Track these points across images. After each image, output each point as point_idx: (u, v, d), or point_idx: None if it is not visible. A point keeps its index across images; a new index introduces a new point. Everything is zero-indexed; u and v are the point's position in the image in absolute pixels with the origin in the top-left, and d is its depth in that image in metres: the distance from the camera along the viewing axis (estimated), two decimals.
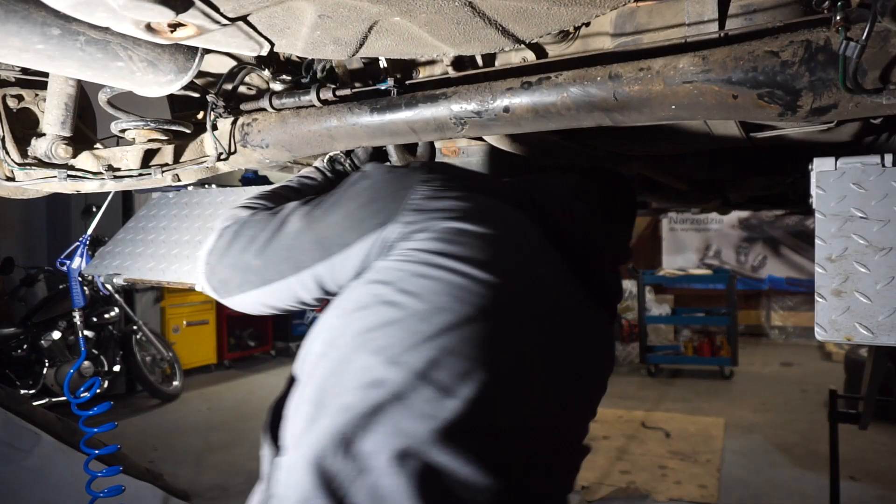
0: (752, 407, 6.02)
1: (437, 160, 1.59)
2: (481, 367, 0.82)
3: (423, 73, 1.24)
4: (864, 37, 0.72)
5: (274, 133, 1.26)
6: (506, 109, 1.00)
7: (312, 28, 0.87)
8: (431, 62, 1.22)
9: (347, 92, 1.16)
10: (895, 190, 1.05)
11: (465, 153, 1.57)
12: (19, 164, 1.27)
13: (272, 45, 0.91)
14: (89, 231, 2.16)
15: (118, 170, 1.35)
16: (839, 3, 0.73)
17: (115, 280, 1.87)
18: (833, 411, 3.42)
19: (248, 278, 1.01)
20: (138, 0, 0.68)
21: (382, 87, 1.14)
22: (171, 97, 1.43)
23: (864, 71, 0.76)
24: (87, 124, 1.41)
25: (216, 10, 0.76)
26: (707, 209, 3.81)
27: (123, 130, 1.28)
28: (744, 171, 2.03)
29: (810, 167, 1.16)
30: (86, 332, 5.49)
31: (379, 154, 1.40)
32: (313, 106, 1.20)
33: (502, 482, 0.80)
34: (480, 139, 1.47)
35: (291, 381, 0.95)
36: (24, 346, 5.33)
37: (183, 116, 1.43)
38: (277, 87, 1.24)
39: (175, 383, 6.39)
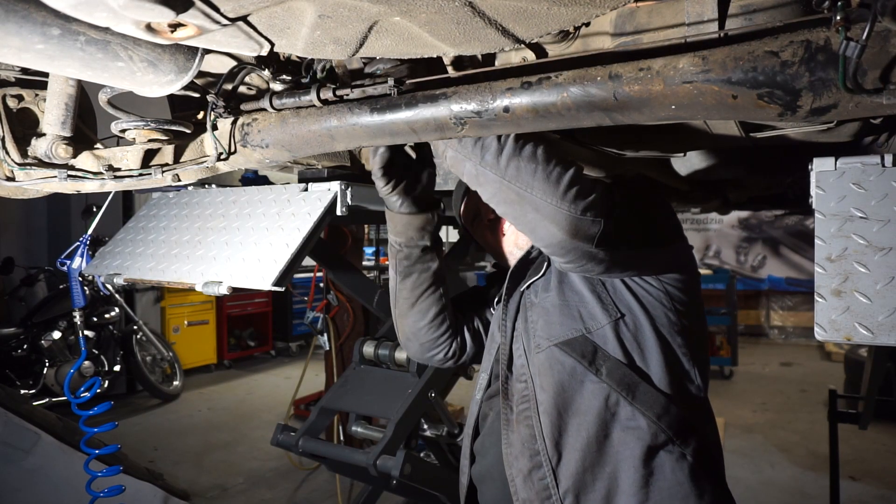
0: (752, 407, 6.02)
1: None
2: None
3: (423, 73, 1.24)
4: (864, 37, 0.72)
5: (274, 133, 1.26)
6: (506, 109, 1.00)
7: (312, 28, 0.87)
8: (431, 62, 1.22)
9: (347, 92, 1.16)
10: (895, 190, 1.05)
11: None
12: (19, 164, 1.27)
13: (272, 45, 0.91)
14: (89, 231, 2.16)
15: (118, 170, 1.35)
16: (839, 3, 0.73)
17: (115, 280, 1.87)
18: (833, 411, 3.43)
19: None
20: (138, 0, 0.68)
21: (382, 87, 1.14)
22: (171, 97, 1.43)
23: (864, 71, 0.76)
24: (87, 124, 1.41)
25: (216, 10, 0.76)
26: (707, 209, 3.81)
27: (123, 130, 1.28)
28: (744, 171, 2.03)
29: (810, 167, 1.16)
30: (86, 332, 5.49)
31: None
32: (313, 106, 1.19)
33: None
34: None
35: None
36: (25, 346, 5.34)
37: (183, 116, 1.42)
38: (277, 87, 1.24)
39: (175, 383, 6.39)
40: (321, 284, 4.69)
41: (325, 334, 4.35)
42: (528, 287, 1.41)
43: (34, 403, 4.30)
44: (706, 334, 1.43)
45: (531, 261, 1.46)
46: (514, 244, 1.52)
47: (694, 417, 1.28)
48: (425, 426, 2.33)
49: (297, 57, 1.22)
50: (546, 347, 1.31)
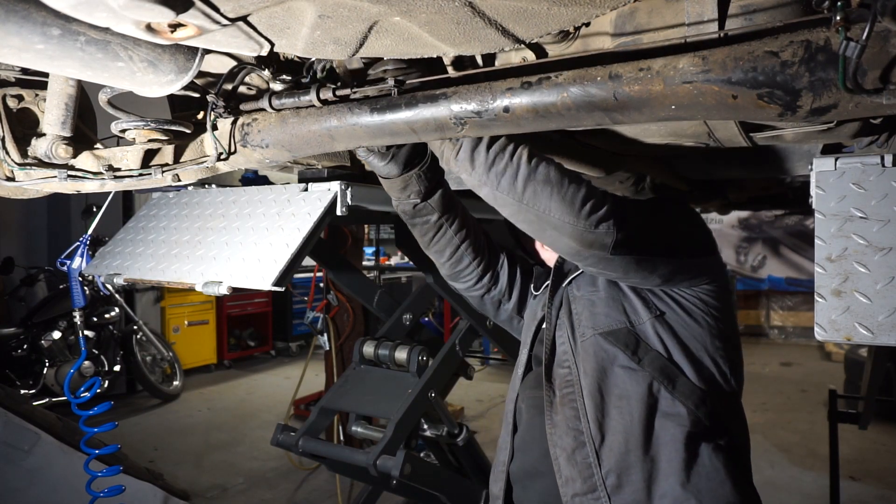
0: (752, 407, 6.02)
1: None
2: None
3: (423, 73, 1.24)
4: (864, 37, 0.72)
5: (274, 133, 1.26)
6: (506, 109, 1.00)
7: (312, 28, 0.87)
8: (431, 61, 1.22)
9: (347, 92, 1.16)
10: (895, 190, 1.05)
11: None
12: (19, 164, 1.27)
13: (272, 45, 0.91)
14: (89, 231, 2.16)
15: (118, 170, 1.35)
16: (839, 3, 0.73)
17: (115, 280, 1.87)
18: (833, 411, 3.43)
19: None
20: (138, 0, 0.68)
21: (383, 87, 1.14)
22: (171, 97, 1.43)
23: (864, 71, 0.76)
24: (87, 124, 1.41)
25: (216, 10, 0.76)
26: (707, 209, 3.81)
27: (123, 130, 1.28)
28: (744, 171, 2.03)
29: (810, 167, 1.16)
30: (86, 332, 5.49)
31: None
32: (313, 106, 1.19)
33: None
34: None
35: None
36: (25, 346, 5.33)
37: (183, 116, 1.42)
38: (277, 87, 1.24)
39: (175, 383, 6.39)
40: (321, 284, 4.69)
41: (325, 334, 4.35)
42: (571, 282, 1.50)
43: (34, 403, 4.30)
44: (739, 342, 1.50)
45: None
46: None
47: (726, 414, 1.34)
48: (425, 426, 2.33)
49: (297, 57, 1.22)
50: (590, 336, 1.39)
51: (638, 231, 1.25)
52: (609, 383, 1.33)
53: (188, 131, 1.32)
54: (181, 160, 1.40)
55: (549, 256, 1.66)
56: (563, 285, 1.52)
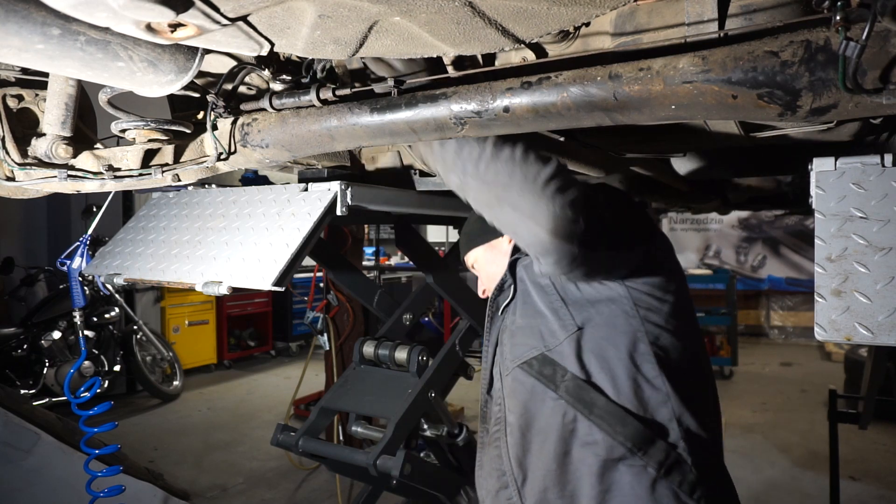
0: (752, 407, 6.02)
1: None
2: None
3: (423, 73, 1.24)
4: (864, 37, 0.72)
5: (274, 133, 1.26)
6: (506, 109, 1.00)
7: (312, 28, 0.87)
8: (431, 61, 1.22)
9: (347, 92, 1.16)
10: (895, 190, 1.05)
11: None
12: (19, 164, 1.27)
13: (272, 45, 0.91)
14: (89, 231, 2.16)
15: (118, 170, 1.35)
16: (839, 3, 0.73)
17: (115, 280, 1.87)
18: (833, 411, 3.43)
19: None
20: (138, 0, 0.68)
21: (382, 87, 1.14)
22: (171, 97, 1.43)
23: (864, 71, 0.76)
24: (87, 124, 1.41)
25: (216, 10, 0.76)
26: (707, 209, 3.81)
27: (124, 130, 1.28)
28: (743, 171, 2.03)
29: (810, 167, 1.16)
30: (86, 332, 5.47)
31: None
32: (313, 106, 1.19)
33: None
34: None
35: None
36: (25, 346, 5.34)
37: (183, 116, 1.42)
38: (277, 87, 1.24)
39: (175, 383, 6.39)
40: (321, 284, 4.69)
41: (325, 334, 4.35)
42: (502, 312, 1.43)
43: (34, 403, 4.30)
44: (694, 344, 1.35)
45: (504, 289, 1.46)
46: (487, 279, 1.54)
47: (660, 426, 1.23)
48: (425, 426, 2.32)
49: (297, 57, 1.22)
50: (511, 369, 1.32)
51: (605, 225, 1.19)
52: (529, 417, 1.27)
53: (188, 131, 1.32)
54: (181, 160, 1.40)
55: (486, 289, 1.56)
56: (498, 315, 1.44)
